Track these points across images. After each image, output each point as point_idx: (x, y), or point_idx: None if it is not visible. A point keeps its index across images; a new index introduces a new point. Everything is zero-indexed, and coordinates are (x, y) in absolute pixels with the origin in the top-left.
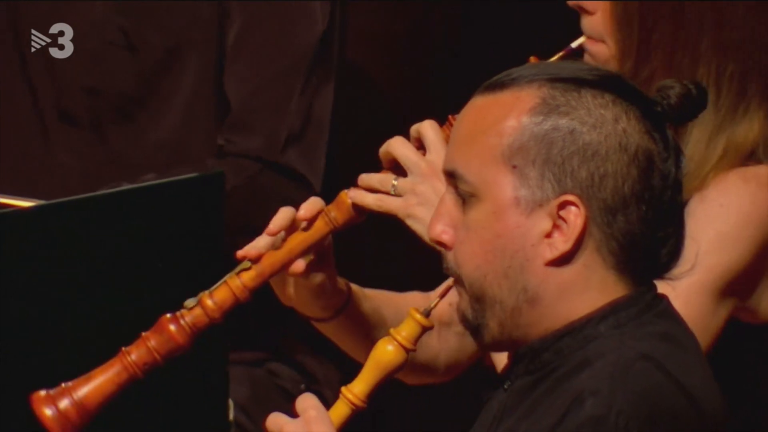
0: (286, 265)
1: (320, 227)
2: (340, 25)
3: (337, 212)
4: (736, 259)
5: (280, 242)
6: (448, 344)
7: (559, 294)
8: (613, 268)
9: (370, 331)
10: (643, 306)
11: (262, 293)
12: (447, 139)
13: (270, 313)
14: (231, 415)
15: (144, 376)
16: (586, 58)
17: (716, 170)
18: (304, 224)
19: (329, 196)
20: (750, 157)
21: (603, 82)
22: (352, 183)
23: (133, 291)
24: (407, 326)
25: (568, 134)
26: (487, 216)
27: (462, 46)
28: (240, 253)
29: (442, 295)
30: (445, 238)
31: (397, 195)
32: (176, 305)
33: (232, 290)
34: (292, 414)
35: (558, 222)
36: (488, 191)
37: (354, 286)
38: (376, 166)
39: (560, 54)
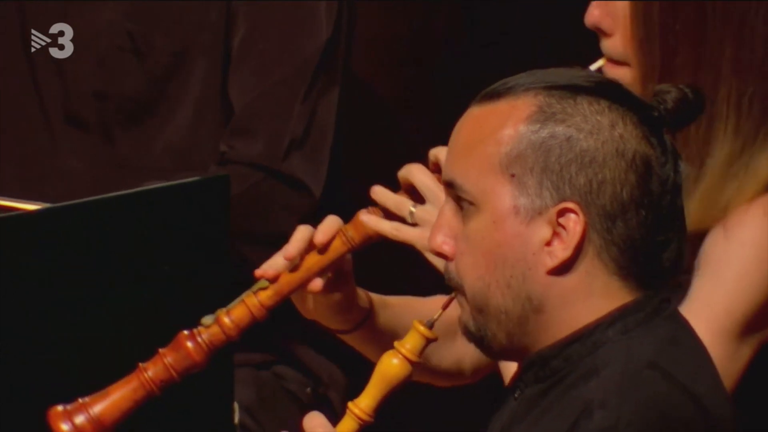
0: (303, 284)
1: (338, 247)
2: (346, 32)
3: (355, 232)
4: (757, 299)
5: (298, 260)
6: (472, 348)
7: (563, 301)
8: (615, 273)
9: (392, 339)
10: (650, 311)
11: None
12: None
13: (276, 315)
14: (236, 418)
15: (161, 393)
16: None
17: (737, 199)
18: (320, 246)
19: (332, 202)
20: None
21: (599, 89)
22: (356, 188)
23: (139, 294)
24: (411, 339)
25: (565, 141)
26: (487, 225)
27: (465, 51)
28: (258, 272)
29: (445, 307)
30: (446, 248)
31: (414, 224)
32: (181, 308)
33: (249, 309)
34: (298, 422)
35: (557, 230)
36: (487, 201)
37: (375, 297)
38: (378, 171)
39: None
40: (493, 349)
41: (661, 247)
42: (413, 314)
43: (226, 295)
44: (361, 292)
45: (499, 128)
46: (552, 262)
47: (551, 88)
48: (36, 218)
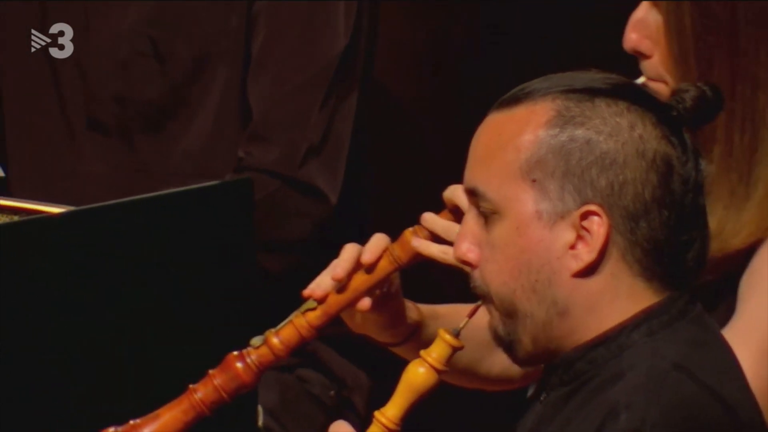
0: (351, 304)
1: (385, 266)
2: (366, 39)
3: (401, 252)
4: None
5: (346, 280)
6: None
7: (589, 304)
8: (640, 275)
9: None
10: (675, 313)
11: (292, 298)
12: None
13: None
14: (260, 421)
15: (211, 414)
16: None
17: None
18: (368, 266)
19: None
20: None
21: (617, 90)
22: (375, 193)
23: (161, 297)
24: (437, 347)
25: (585, 144)
26: (511, 232)
27: (484, 58)
28: (306, 292)
29: (471, 315)
30: (471, 257)
31: None
32: (206, 312)
33: (298, 329)
34: (322, 426)
35: (581, 233)
36: (510, 207)
37: (424, 308)
38: (397, 177)
39: None
40: (519, 355)
41: (684, 247)
42: (461, 322)
43: (251, 299)
44: (410, 305)
45: (518, 134)
46: (577, 266)
47: (569, 91)
48: (59, 221)
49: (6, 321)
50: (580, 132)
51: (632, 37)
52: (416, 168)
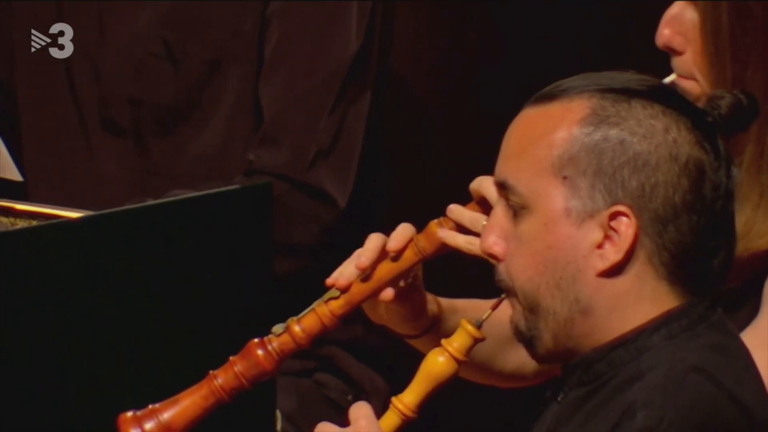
0: (374, 294)
1: (409, 256)
2: (380, 42)
3: (426, 243)
4: None
5: (370, 270)
6: None
7: (612, 305)
8: (665, 279)
9: None
10: (696, 317)
11: (309, 300)
12: None
13: None
14: (278, 426)
15: (231, 401)
16: None
17: None
18: (393, 254)
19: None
20: None
21: (653, 93)
22: (391, 195)
23: (181, 301)
24: (459, 337)
25: (619, 144)
26: (539, 227)
27: (502, 61)
28: (329, 281)
29: (494, 307)
30: (497, 250)
31: None
32: (224, 315)
33: (320, 318)
34: (342, 424)
35: (609, 233)
36: (539, 203)
37: (444, 302)
38: (413, 179)
39: None
40: (538, 351)
41: (711, 253)
42: (483, 314)
43: (269, 301)
44: (431, 298)
45: (552, 130)
46: (602, 265)
47: (605, 91)
48: (77, 226)
49: (25, 325)
50: (614, 132)
51: (665, 33)
52: (432, 170)
